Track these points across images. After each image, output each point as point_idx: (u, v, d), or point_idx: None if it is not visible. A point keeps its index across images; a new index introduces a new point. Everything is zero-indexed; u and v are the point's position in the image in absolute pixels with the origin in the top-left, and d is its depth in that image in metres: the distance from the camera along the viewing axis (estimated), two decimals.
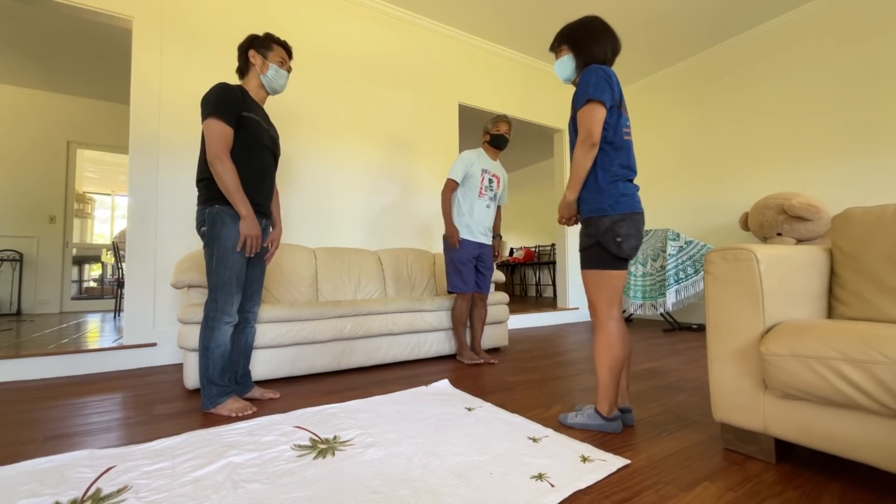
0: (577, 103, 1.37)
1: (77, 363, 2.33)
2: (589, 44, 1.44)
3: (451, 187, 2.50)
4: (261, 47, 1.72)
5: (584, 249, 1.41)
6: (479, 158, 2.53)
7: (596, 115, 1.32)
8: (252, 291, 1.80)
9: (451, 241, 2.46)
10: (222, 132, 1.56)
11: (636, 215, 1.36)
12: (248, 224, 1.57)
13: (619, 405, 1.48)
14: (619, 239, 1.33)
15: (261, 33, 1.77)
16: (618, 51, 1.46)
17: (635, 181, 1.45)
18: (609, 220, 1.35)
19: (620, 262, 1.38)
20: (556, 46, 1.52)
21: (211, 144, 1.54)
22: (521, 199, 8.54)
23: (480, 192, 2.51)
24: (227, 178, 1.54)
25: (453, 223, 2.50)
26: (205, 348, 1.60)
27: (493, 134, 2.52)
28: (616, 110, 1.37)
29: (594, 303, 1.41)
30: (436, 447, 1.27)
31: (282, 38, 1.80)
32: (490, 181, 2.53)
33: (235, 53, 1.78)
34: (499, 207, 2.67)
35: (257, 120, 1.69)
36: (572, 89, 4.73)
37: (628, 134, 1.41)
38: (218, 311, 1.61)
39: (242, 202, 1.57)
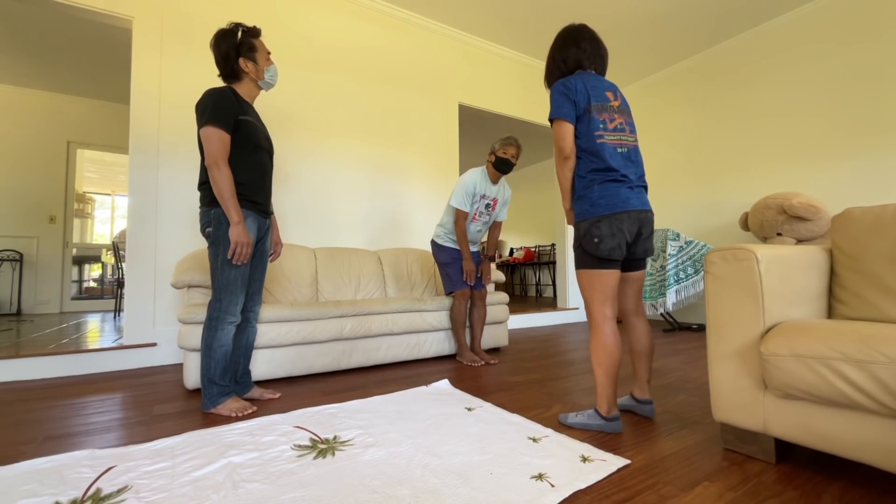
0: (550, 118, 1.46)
1: (77, 363, 2.33)
2: (549, 66, 1.56)
3: (463, 216, 2.44)
4: (248, 52, 1.66)
5: (574, 252, 1.48)
6: (480, 183, 2.43)
7: (560, 132, 1.41)
8: (253, 291, 1.80)
9: (468, 278, 2.45)
10: (220, 138, 1.55)
11: (619, 215, 1.37)
12: (239, 231, 1.56)
13: (639, 397, 1.55)
14: (596, 239, 1.37)
15: (228, 26, 1.66)
16: (586, 42, 1.49)
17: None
18: (587, 224, 1.40)
19: (605, 261, 1.39)
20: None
21: (210, 151, 1.54)
22: (521, 200, 8.54)
23: (474, 218, 2.50)
24: (223, 183, 1.54)
25: (471, 256, 2.46)
26: (207, 348, 1.61)
27: (499, 157, 2.39)
28: (586, 115, 1.40)
29: (587, 302, 1.44)
30: (436, 447, 1.27)
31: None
32: (486, 206, 2.49)
33: None
34: (497, 224, 2.64)
35: (252, 121, 1.68)
36: None
37: (601, 137, 1.39)
38: (222, 312, 1.62)
39: (235, 208, 1.56)
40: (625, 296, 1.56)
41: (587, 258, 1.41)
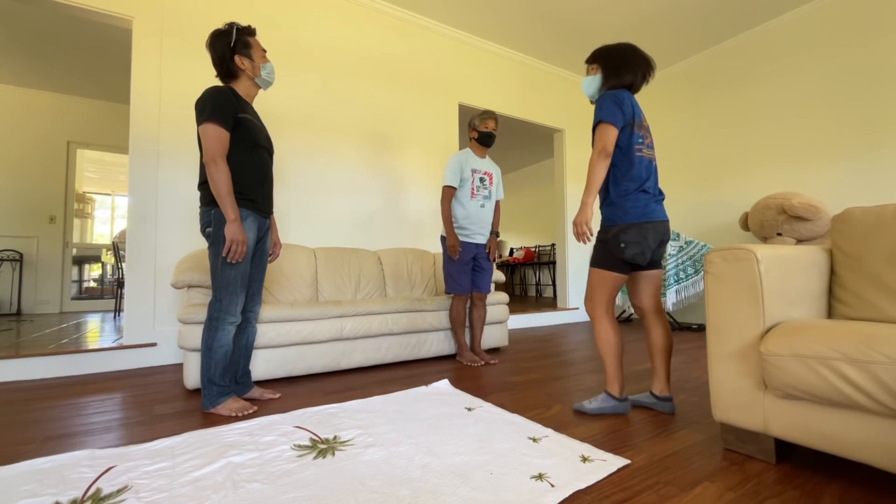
0: (594, 122, 1.55)
1: (77, 363, 2.33)
2: (619, 69, 1.59)
3: (448, 195, 2.47)
4: (243, 48, 1.67)
5: (596, 250, 1.60)
6: (468, 159, 2.51)
7: (609, 134, 1.50)
8: (253, 291, 1.80)
9: (452, 252, 2.44)
10: (219, 136, 1.55)
11: (646, 224, 1.50)
12: (234, 229, 1.56)
13: (659, 394, 1.62)
14: (622, 244, 1.50)
15: (223, 26, 1.67)
16: (649, 75, 1.61)
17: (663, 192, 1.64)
18: (616, 229, 1.52)
19: (624, 265, 1.54)
20: (590, 63, 1.68)
21: (208, 148, 1.54)
22: (521, 200, 8.54)
23: (472, 193, 2.49)
24: (220, 181, 1.54)
25: (454, 232, 2.46)
26: (208, 348, 1.61)
27: (481, 131, 2.49)
28: (629, 129, 1.52)
29: (595, 297, 1.58)
30: (436, 447, 1.27)
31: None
32: (481, 180, 2.52)
33: None
34: (496, 203, 2.64)
35: (251, 120, 1.68)
36: (572, 89, 4.75)
37: (640, 150, 1.53)
38: (222, 312, 1.62)
39: (231, 206, 1.55)
40: (644, 293, 1.65)
41: (608, 259, 1.54)
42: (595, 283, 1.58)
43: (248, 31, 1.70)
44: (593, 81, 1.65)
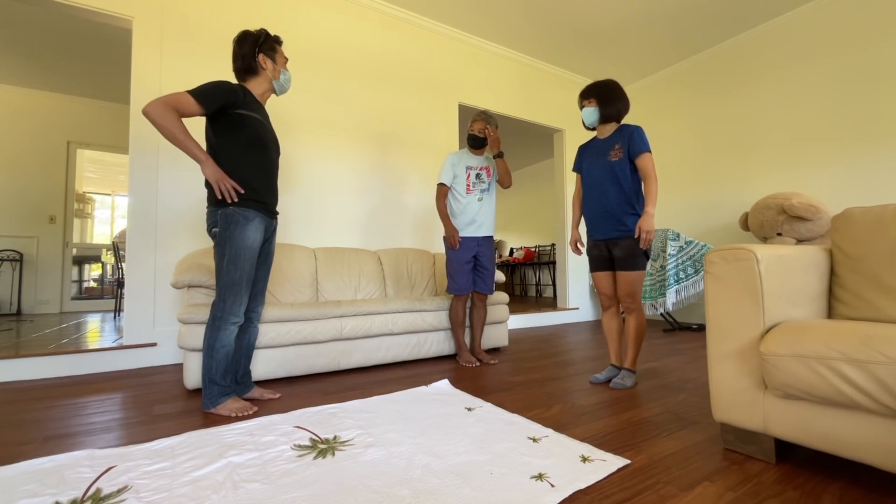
0: (638, 149, 1.88)
1: (77, 363, 2.33)
2: (610, 101, 1.95)
3: (442, 192, 2.53)
4: (269, 50, 1.72)
5: (637, 256, 1.87)
6: (462, 158, 2.55)
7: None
8: (256, 291, 1.81)
9: (451, 242, 2.47)
10: (188, 103, 1.49)
11: None
12: (211, 169, 1.54)
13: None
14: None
15: (254, 30, 1.73)
16: (629, 106, 1.99)
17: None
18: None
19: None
20: (586, 98, 2.00)
21: (169, 99, 1.45)
22: (521, 200, 8.53)
23: (468, 189, 2.52)
24: (173, 125, 1.45)
25: (451, 223, 2.51)
26: (210, 348, 1.61)
27: (468, 135, 2.57)
28: None
29: (639, 293, 1.91)
30: (436, 447, 1.27)
31: (279, 35, 1.80)
32: (478, 175, 2.55)
33: None
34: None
35: (261, 120, 1.69)
36: (572, 89, 4.74)
37: None
38: (225, 312, 1.62)
39: (195, 146, 1.51)
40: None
41: (645, 262, 1.90)
42: (640, 282, 1.89)
43: (277, 40, 1.76)
44: (594, 112, 1.97)
